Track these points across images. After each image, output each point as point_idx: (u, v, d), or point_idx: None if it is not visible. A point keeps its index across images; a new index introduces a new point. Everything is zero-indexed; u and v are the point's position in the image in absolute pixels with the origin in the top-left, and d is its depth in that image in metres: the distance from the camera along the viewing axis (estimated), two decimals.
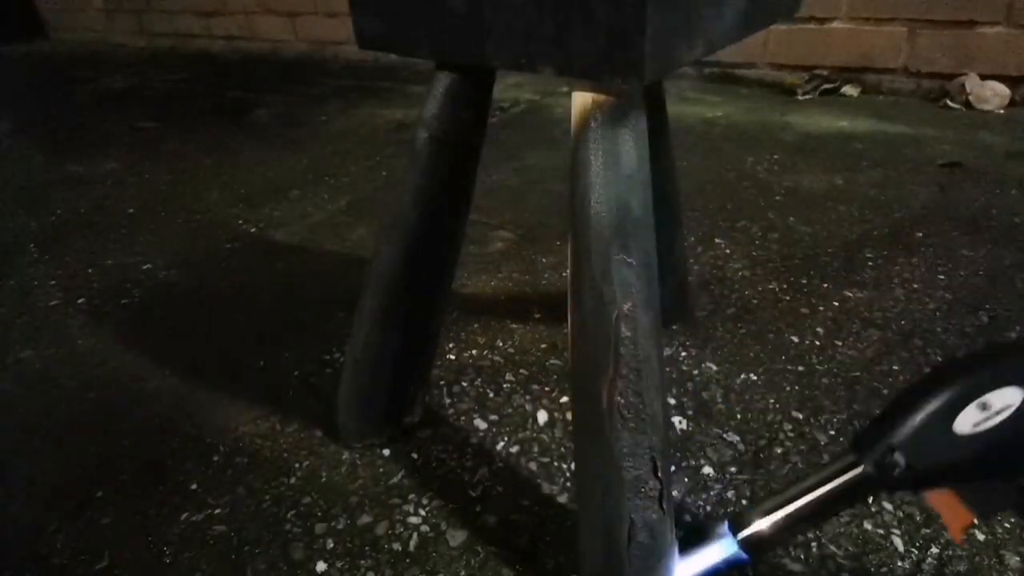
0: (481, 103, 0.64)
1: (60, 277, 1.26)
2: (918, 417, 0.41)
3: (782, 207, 1.35)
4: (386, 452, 0.78)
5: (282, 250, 1.31)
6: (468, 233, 1.33)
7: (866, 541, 0.63)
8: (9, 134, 2.34)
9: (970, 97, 1.87)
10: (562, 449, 0.77)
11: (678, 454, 0.75)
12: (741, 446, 0.76)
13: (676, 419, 0.81)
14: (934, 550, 0.62)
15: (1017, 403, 0.39)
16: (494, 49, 0.52)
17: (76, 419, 0.87)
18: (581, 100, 0.50)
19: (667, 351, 0.93)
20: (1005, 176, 1.42)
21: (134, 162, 1.92)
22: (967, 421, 0.40)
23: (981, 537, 0.63)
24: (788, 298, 1.04)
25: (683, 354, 0.92)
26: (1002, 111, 1.84)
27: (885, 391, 0.83)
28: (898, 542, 0.63)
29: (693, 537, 0.52)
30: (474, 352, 0.95)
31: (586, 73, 0.47)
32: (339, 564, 0.64)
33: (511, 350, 0.95)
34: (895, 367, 0.87)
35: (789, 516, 0.46)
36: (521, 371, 0.91)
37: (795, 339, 0.94)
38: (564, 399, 0.85)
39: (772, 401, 0.83)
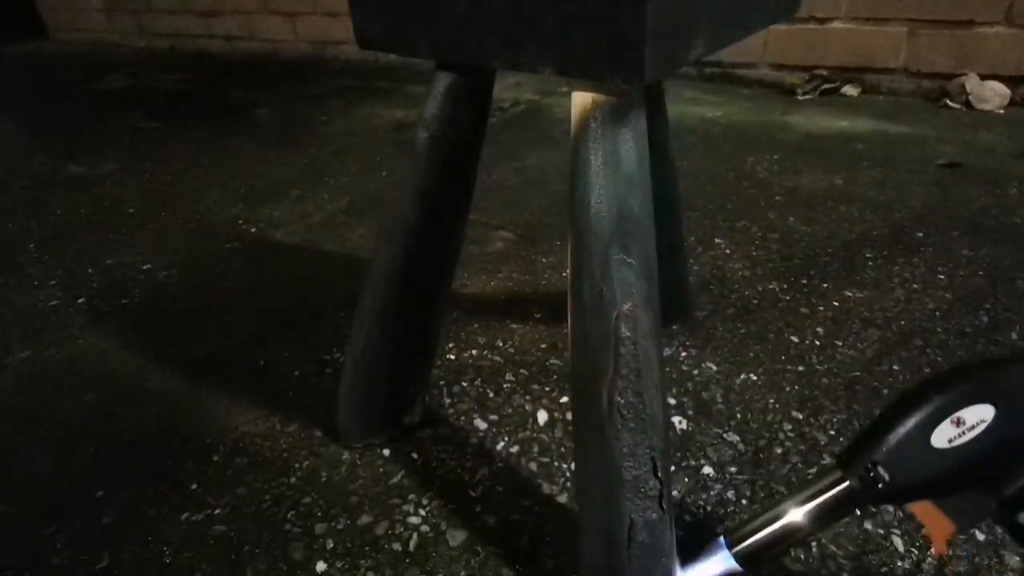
0: (481, 103, 0.64)
1: (60, 277, 1.26)
2: (897, 433, 0.43)
3: (782, 207, 1.35)
4: (386, 452, 0.78)
5: (282, 250, 1.32)
6: (468, 233, 1.33)
7: (866, 541, 0.63)
8: (9, 134, 2.34)
9: (970, 97, 1.87)
10: (562, 449, 0.77)
11: (678, 454, 0.75)
12: (741, 446, 0.76)
13: (676, 419, 0.81)
14: (934, 550, 0.62)
15: (989, 419, 0.41)
16: (494, 49, 0.51)
17: (76, 419, 0.87)
18: (581, 100, 0.50)
19: (667, 351, 0.93)
20: (1005, 176, 1.42)
21: (134, 162, 1.92)
22: (943, 436, 0.42)
23: (981, 537, 0.63)
24: (788, 298, 1.04)
25: (683, 354, 0.92)
26: (1002, 111, 1.84)
27: (885, 391, 0.83)
28: (898, 542, 0.63)
29: (690, 549, 0.52)
30: (474, 352, 0.95)
31: (587, 72, 0.47)
32: (339, 564, 0.64)
33: (511, 350, 0.95)
34: (895, 367, 0.87)
35: (782, 529, 0.48)
36: (521, 371, 0.91)
37: (795, 339, 0.94)
38: (564, 399, 0.85)
39: (772, 401, 0.83)
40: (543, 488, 0.72)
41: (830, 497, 0.46)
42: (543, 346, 0.96)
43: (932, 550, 0.60)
